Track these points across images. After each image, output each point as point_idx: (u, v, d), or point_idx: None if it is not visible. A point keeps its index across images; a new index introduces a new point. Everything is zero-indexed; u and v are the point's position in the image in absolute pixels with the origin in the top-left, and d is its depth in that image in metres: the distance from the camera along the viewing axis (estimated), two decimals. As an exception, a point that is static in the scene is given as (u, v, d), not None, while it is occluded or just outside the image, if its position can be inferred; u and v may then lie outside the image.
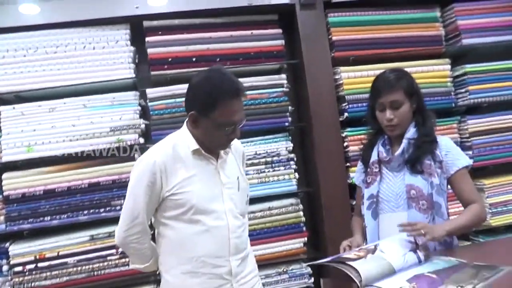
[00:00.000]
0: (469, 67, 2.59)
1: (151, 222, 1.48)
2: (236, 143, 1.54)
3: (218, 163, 1.44)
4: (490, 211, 2.50)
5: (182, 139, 1.42)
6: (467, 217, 1.44)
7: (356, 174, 1.72)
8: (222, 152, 1.45)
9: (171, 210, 1.38)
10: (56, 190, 2.21)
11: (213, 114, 1.32)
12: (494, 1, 2.70)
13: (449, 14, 2.65)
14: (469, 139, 2.57)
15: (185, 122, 1.45)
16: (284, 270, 2.38)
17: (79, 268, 2.19)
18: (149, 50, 2.28)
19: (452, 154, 1.51)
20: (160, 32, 2.30)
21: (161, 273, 1.48)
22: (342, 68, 2.44)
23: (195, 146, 1.39)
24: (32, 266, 2.16)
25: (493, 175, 2.60)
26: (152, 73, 2.30)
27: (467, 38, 2.61)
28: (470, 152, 2.52)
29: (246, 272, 1.48)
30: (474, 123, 2.59)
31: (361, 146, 1.73)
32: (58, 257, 2.18)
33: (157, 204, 1.40)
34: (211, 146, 1.41)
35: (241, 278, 1.45)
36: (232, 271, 1.42)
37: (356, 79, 2.44)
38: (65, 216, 2.22)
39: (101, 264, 2.21)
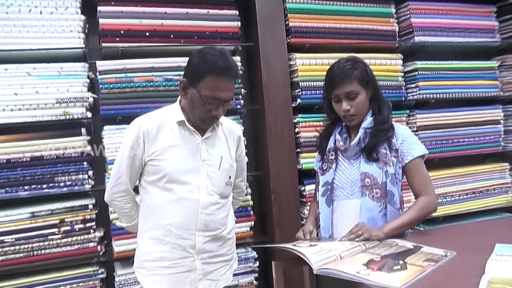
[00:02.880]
0: (420, 64, 2.68)
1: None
2: (233, 125, 1.62)
3: (202, 138, 1.48)
4: (433, 202, 2.60)
5: (171, 111, 1.49)
6: (410, 215, 1.44)
7: (315, 160, 1.72)
8: (209, 129, 1.49)
9: (149, 175, 1.47)
10: (-7, 162, 2.07)
11: (199, 85, 1.37)
12: (446, 3, 2.81)
13: (404, 11, 2.74)
14: (417, 133, 2.65)
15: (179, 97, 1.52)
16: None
17: (17, 247, 2.06)
18: (101, 21, 2.19)
19: (407, 143, 1.50)
20: (112, 3, 2.21)
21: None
22: (297, 55, 2.45)
23: (181, 117, 1.45)
24: (-37, 244, 2.00)
25: (436, 168, 2.69)
26: (103, 44, 2.21)
27: (419, 35, 2.70)
28: (417, 145, 2.60)
29: (216, 253, 1.49)
30: (422, 118, 2.69)
31: (315, 132, 1.73)
32: (-6, 234, 2.04)
33: (141, 168, 1.49)
34: (194, 119, 1.44)
35: (207, 257, 1.47)
36: (196, 246, 1.45)
37: (311, 66, 2.45)
38: (3, 191, 2.08)
39: (41, 244, 2.09)
